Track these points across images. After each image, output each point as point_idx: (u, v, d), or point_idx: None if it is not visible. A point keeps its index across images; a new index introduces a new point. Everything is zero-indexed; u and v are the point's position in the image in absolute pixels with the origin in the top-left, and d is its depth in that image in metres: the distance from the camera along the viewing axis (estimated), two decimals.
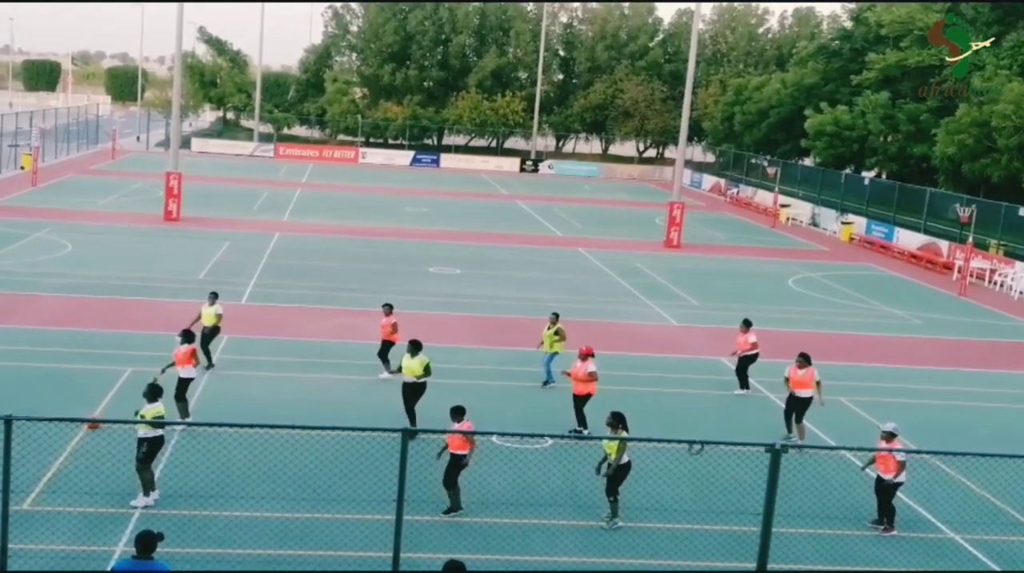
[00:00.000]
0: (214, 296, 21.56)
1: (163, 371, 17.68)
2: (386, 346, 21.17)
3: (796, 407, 18.76)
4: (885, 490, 15.07)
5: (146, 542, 9.87)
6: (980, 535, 15.11)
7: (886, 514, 15.12)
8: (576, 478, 16.11)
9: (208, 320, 21.13)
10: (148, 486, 14.37)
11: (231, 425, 13.17)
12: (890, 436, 15.02)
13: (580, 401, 18.38)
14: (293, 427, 14.92)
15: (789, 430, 18.83)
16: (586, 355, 18.44)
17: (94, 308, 26.13)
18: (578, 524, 14.70)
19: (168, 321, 24.65)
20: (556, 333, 21.14)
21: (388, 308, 21.45)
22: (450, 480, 14.67)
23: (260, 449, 15.06)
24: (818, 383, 18.55)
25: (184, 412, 17.44)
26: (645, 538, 14.35)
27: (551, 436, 14.06)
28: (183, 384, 17.69)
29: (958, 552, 14.71)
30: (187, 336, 18.03)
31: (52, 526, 13.40)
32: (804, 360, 18.65)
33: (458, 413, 14.72)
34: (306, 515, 14.27)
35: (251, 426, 12.58)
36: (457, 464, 14.62)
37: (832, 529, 14.92)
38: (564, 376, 19.06)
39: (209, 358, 20.77)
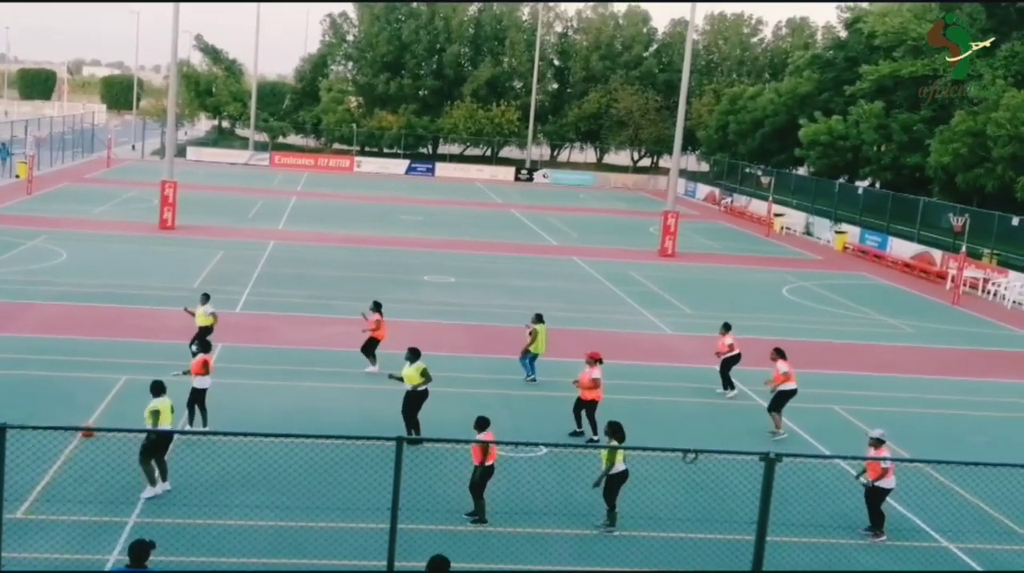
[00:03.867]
0: (206, 297, 22.06)
1: (184, 373, 17.71)
2: (370, 343, 21.85)
3: (775, 398, 19.70)
4: (873, 495, 15.11)
5: (139, 551, 9.88)
6: (973, 543, 15.15)
7: (874, 520, 15.17)
8: (570, 486, 16.12)
9: (201, 320, 21.51)
10: (150, 477, 14.66)
11: (225, 433, 13.15)
12: (878, 442, 15.12)
13: (590, 407, 18.55)
14: (287, 436, 14.95)
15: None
16: (592, 360, 18.64)
17: (88, 316, 26.11)
18: (572, 533, 14.70)
19: (163, 329, 24.70)
20: (530, 334, 21.94)
21: (376, 306, 22.11)
22: (477, 489, 14.72)
23: (254, 457, 15.05)
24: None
25: (190, 421, 17.51)
26: (639, 546, 14.36)
27: (545, 444, 14.05)
28: (195, 394, 17.55)
29: (951, 560, 14.74)
30: (203, 345, 18.02)
31: (46, 534, 13.39)
32: (778, 353, 19.62)
33: (482, 424, 14.74)
34: (300, 524, 14.28)
35: (245, 434, 12.57)
36: (479, 474, 14.62)
37: (826, 538, 14.94)
38: (573, 385, 19.06)
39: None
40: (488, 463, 14.65)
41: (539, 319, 22.16)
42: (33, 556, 12.71)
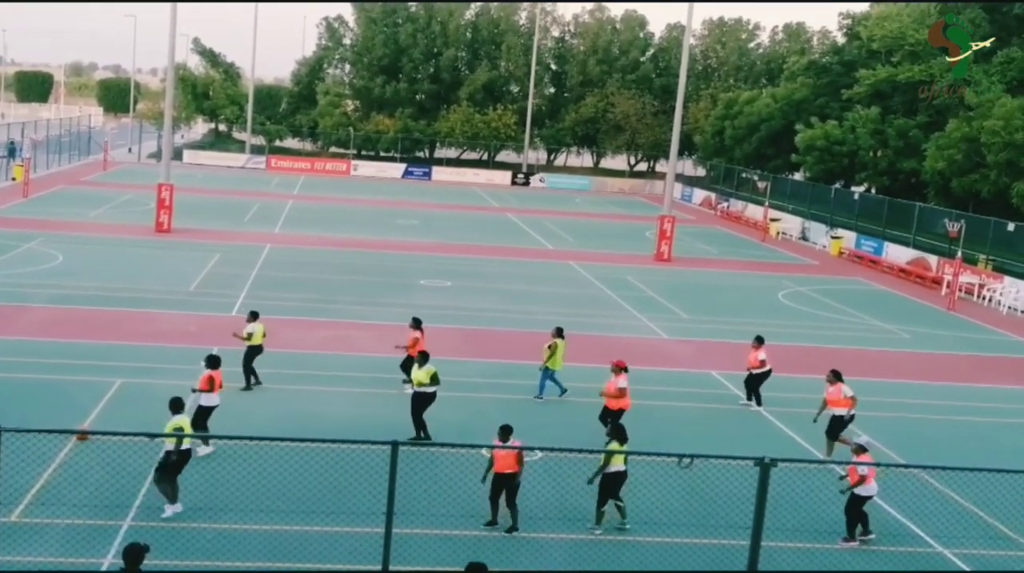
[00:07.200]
0: (255, 315, 20.93)
1: (193, 391, 17.02)
2: (408, 360, 20.65)
3: (830, 424, 18.81)
4: (850, 501, 14.99)
5: (133, 555, 9.87)
6: (968, 549, 15.17)
7: (850, 526, 15.07)
8: (566, 491, 16.12)
9: (259, 338, 20.63)
10: (174, 496, 14.35)
11: (221, 437, 13.18)
12: (860, 449, 15.03)
13: (615, 416, 18.26)
14: (283, 439, 14.93)
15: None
16: (617, 369, 18.62)
17: (84, 319, 26.08)
18: (568, 537, 14.71)
19: (159, 333, 24.69)
20: (549, 347, 21.26)
21: (416, 323, 20.87)
22: (510, 500, 14.68)
23: (250, 461, 15.03)
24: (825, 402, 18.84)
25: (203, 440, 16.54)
26: (634, 550, 14.38)
27: (541, 448, 14.06)
28: (200, 413, 16.86)
29: (946, 566, 14.76)
30: (210, 361, 17.22)
31: (40, 538, 13.36)
32: (835, 377, 18.78)
33: (505, 432, 14.66)
34: (295, 528, 14.26)
35: (240, 438, 12.58)
36: (503, 484, 14.56)
37: (821, 543, 14.96)
38: (600, 396, 18.86)
39: (248, 378, 20.45)
40: (506, 472, 14.56)
41: (559, 333, 21.43)
42: (27, 560, 12.68)
